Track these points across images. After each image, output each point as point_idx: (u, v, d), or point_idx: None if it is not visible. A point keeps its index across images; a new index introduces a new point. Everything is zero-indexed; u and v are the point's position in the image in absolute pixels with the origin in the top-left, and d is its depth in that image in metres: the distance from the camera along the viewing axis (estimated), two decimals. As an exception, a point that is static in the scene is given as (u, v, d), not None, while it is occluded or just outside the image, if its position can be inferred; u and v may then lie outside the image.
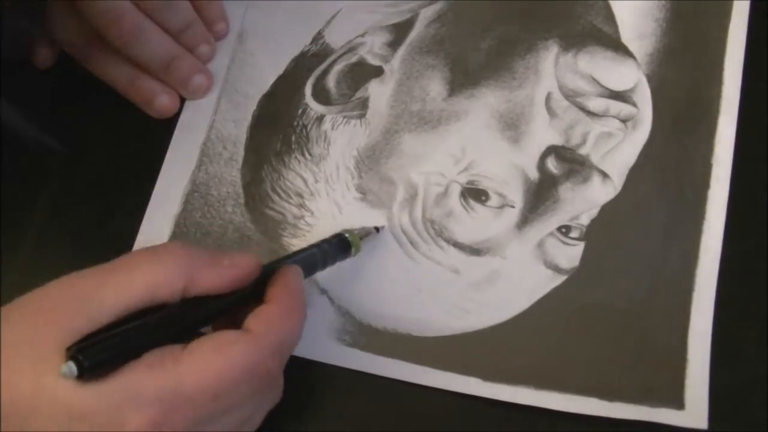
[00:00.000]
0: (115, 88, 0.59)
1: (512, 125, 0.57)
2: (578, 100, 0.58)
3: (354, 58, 0.60)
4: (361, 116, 0.58)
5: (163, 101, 0.58)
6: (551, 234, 0.55)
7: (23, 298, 0.43)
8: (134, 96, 0.59)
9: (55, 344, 0.40)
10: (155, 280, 0.43)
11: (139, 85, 0.58)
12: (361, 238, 0.53)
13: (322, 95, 0.59)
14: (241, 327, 0.44)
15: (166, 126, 0.59)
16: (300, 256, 0.51)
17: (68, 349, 0.40)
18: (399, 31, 0.61)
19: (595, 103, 0.58)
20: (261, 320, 0.44)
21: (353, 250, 0.53)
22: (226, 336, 0.43)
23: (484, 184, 0.56)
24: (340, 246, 0.52)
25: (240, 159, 0.58)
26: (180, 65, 0.58)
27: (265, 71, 0.60)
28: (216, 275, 0.44)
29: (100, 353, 0.41)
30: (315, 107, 0.59)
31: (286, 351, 0.46)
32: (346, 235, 0.53)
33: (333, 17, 0.61)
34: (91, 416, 0.40)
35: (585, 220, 0.55)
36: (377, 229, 0.54)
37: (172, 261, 0.43)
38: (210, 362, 0.42)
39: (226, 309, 0.45)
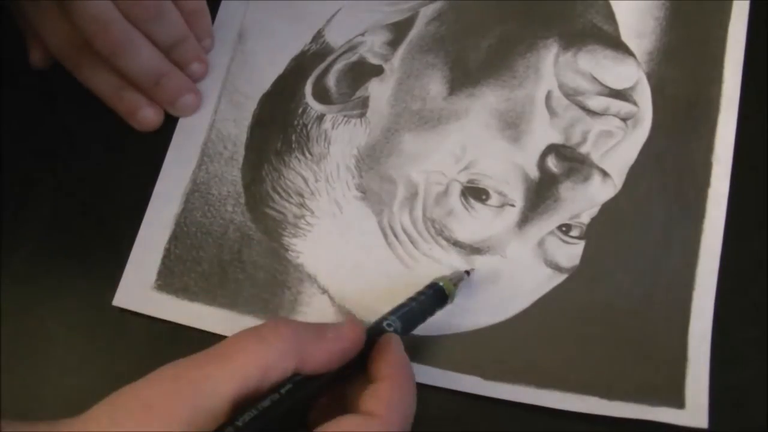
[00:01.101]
0: (100, 97, 0.59)
1: (512, 124, 0.57)
2: (578, 98, 0.58)
3: (354, 57, 0.60)
4: (362, 115, 0.58)
5: (146, 114, 0.58)
6: (551, 233, 0.55)
7: (121, 394, 0.41)
8: (118, 107, 0.58)
9: None
10: (266, 363, 0.41)
11: (123, 96, 0.58)
12: (454, 285, 0.52)
13: (322, 94, 0.59)
14: (357, 406, 0.43)
15: (167, 125, 0.59)
16: (399, 313, 0.49)
17: None
18: (399, 30, 0.61)
19: (596, 101, 0.58)
20: (382, 402, 0.43)
21: (449, 299, 0.51)
22: (352, 421, 0.41)
23: (484, 183, 0.56)
24: (436, 296, 0.51)
25: (240, 158, 0.58)
26: (169, 83, 0.58)
27: (265, 70, 0.60)
28: (324, 351, 0.43)
29: None
30: (315, 106, 0.59)
31: (410, 426, 0.44)
32: (441, 284, 0.51)
33: (333, 16, 0.61)
34: None
35: (585, 218, 0.55)
36: (468, 273, 0.53)
37: (281, 341, 0.42)
38: None
39: (333, 383, 0.44)
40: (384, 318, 0.49)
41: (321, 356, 0.43)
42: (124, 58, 0.56)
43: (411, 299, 0.50)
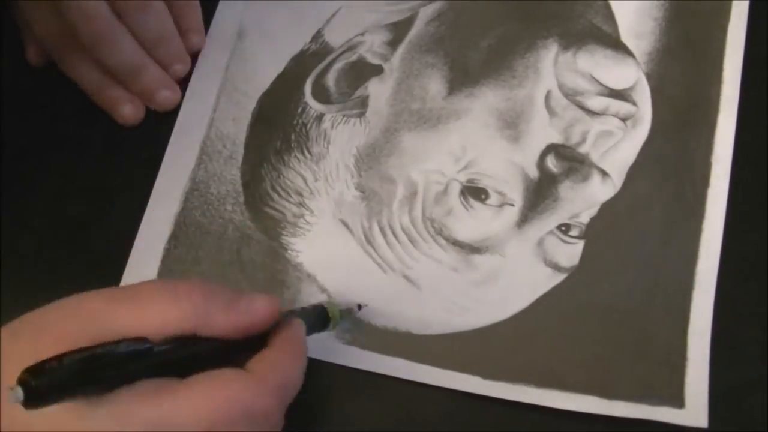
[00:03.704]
0: (83, 89, 0.59)
1: (512, 124, 0.57)
2: (578, 98, 0.58)
3: (354, 57, 0.60)
4: (361, 115, 0.58)
5: (126, 109, 0.58)
6: (551, 232, 0.55)
7: (29, 314, 0.42)
8: (99, 101, 0.59)
9: None
10: (166, 317, 0.42)
11: (105, 90, 0.59)
12: (341, 316, 0.51)
13: (321, 94, 0.59)
14: (244, 368, 0.44)
15: (166, 124, 0.59)
16: (305, 311, 0.50)
17: (26, 370, 0.38)
18: (399, 30, 0.61)
19: (595, 101, 0.58)
20: (263, 362, 0.44)
21: (330, 325, 0.51)
22: (227, 373, 0.42)
23: (483, 183, 0.56)
24: (318, 318, 0.50)
25: (239, 157, 0.58)
26: (146, 76, 0.58)
27: (264, 70, 0.60)
28: (229, 321, 0.43)
29: (55, 379, 0.38)
30: (314, 106, 0.59)
31: (286, 395, 0.45)
32: (326, 307, 0.51)
33: (332, 16, 0.61)
34: None
35: (585, 218, 0.55)
36: (359, 307, 0.53)
37: (187, 300, 0.42)
38: (207, 396, 0.41)
39: (227, 353, 0.44)
40: (290, 312, 0.49)
41: (224, 325, 0.43)
42: (105, 50, 0.57)
43: (294, 310, 0.50)
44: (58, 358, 0.39)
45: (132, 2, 0.57)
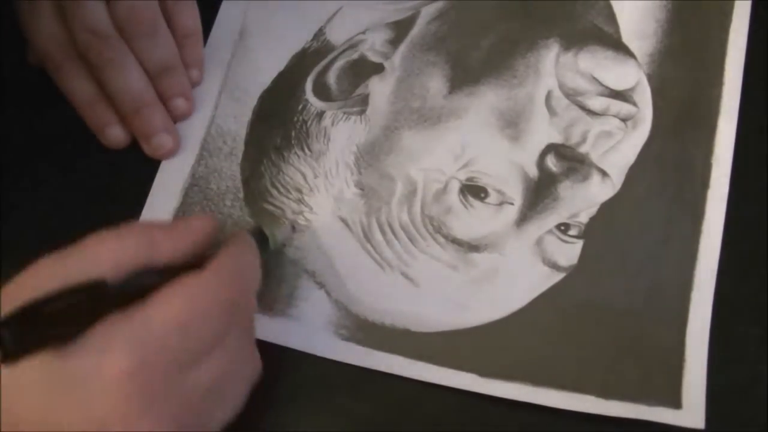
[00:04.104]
0: (72, 104, 0.58)
1: (512, 123, 0.57)
2: (578, 98, 0.58)
3: (355, 55, 0.60)
4: (361, 113, 0.58)
5: (114, 132, 0.57)
6: (550, 231, 0.55)
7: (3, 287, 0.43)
8: (88, 118, 0.58)
9: None
10: (116, 256, 0.43)
11: (96, 109, 0.57)
12: (280, 238, 0.53)
13: (322, 91, 0.59)
14: None
15: (167, 121, 0.59)
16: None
17: None
18: (400, 29, 0.61)
19: (596, 101, 0.58)
20: (215, 259, 0.45)
21: (270, 243, 0.52)
22: (185, 277, 0.44)
23: (483, 181, 0.56)
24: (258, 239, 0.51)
25: (240, 154, 0.58)
26: (149, 116, 0.57)
27: (265, 67, 0.60)
28: (174, 244, 0.45)
29: (25, 329, 0.40)
30: (315, 103, 0.59)
31: (247, 282, 0.47)
32: (264, 230, 0.52)
33: (334, 14, 0.62)
34: (68, 377, 0.40)
35: (584, 218, 0.55)
36: (294, 229, 0.55)
37: (131, 236, 0.44)
38: (172, 299, 0.42)
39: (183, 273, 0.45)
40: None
41: (171, 248, 0.45)
42: (113, 73, 0.56)
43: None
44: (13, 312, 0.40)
45: (141, 26, 0.56)
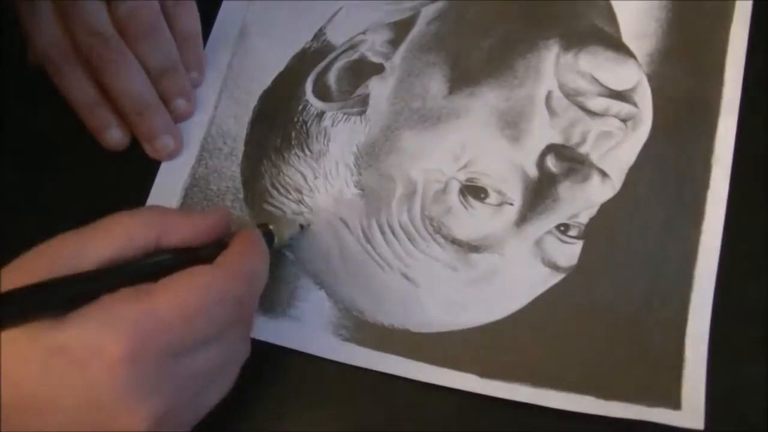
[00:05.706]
0: (72, 106, 0.58)
1: (512, 123, 0.57)
2: (579, 99, 0.58)
3: (355, 56, 0.60)
4: (361, 113, 0.59)
5: (114, 134, 0.57)
6: (550, 232, 0.55)
7: (14, 262, 0.44)
8: (88, 120, 0.57)
9: None
10: (130, 232, 0.45)
11: (96, 111, 0.57)
12: (290, 237, 0.54)
13: (322, 92, 0.59)
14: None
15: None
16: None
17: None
18: (400, 29, 0.61)
19: (596, 102, 0.58)
20: (227, 256, 0.47)
21: (276, 241, 0.52)
22: (197, 269, 0.45)
23: (483, 182, 0.56)
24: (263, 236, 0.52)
25: (240, 154, 0.58)
26: (151, 118, 0.57)
27: (266, 67, 0.60)
28: (187, 226, 0.46)
29: (24, 300, 0.42)
30: (315, 104, 0.59)
31: (254, 283, 0.48)
32: (271, 227, 0.52)
33: (334, 15, 0.62)
34: (69, 348, 0.41)
35: (584, 218, 0.55)
36: (302, 227, 0.55)
37: (147, 215, 0.46)
38: (181, 289, 0.43)
39: (193, 260, 0.46)
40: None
41: (183, 230, 0.46)
42: (114, 75, 0.56)
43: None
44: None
45: (142, 28, 0.57)
